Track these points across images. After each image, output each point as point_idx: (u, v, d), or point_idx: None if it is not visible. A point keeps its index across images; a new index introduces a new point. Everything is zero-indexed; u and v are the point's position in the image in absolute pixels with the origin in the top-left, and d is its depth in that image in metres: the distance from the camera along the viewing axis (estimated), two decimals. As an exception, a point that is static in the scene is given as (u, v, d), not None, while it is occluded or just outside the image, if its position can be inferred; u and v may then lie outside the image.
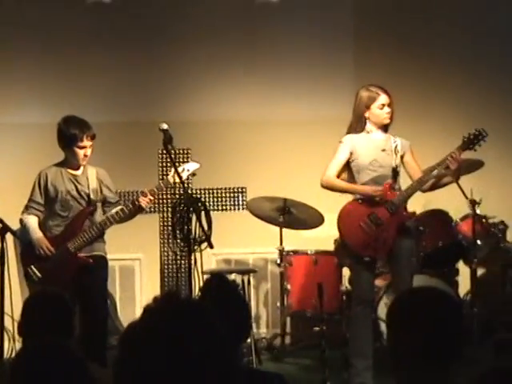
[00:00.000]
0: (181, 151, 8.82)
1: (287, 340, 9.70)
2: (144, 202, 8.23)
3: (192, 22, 10.59)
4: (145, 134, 9.23)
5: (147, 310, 3.02)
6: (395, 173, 8.03)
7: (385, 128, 8.08)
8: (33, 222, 8.37)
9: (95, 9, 10.53)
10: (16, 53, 10.32)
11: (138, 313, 8.39)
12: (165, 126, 8.08)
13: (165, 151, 8.28)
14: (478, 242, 9.16)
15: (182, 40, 10.55)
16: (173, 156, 8.18)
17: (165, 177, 8.43)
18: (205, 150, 9.66)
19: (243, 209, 9.79)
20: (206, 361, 2.75)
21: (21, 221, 8.31)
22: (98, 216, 8.41)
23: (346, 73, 10.47)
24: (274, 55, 10.67)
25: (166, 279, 9.68)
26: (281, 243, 9.57)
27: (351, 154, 8.02)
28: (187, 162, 8.46)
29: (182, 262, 8.69)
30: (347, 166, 8.10)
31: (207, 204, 8.86)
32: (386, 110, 8.03)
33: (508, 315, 9.45)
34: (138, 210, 8.31)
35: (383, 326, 8.23)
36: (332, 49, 10.75)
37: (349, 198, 8.18)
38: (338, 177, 8.10)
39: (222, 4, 10.66)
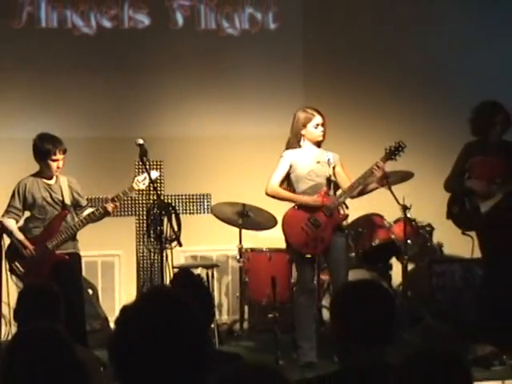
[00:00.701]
0: (154, 163, 8.82)
1: (245, 325, 9.74)
2: (110, 207, 8.31)
3: (165, 52, 10.61)
4: (124, 148, 9.22)
5: (141, 297, 3.06)
6: (329, 181, 8.15)
7: (318, 144, 8.16)
8: (13, 224, 8.43)
9: (81, 40, 10.52)
10: (10, 74, 10.30)
11: (118, 301, 8.44)
12: (141, 141, 8.14)
13: (141, 163, 8.27)
14: (409, 241, 9.20)
15: (157, 67, 10.56)
16: (147, 167, 8.21)
17: (133, 184, 8.45)
18: (175, 162, 9.69)
19: (208, 212, 9.82)
20: (187, 340, 2.81)
21: (1, 223, 8.31)
22: (71, 218, 8.44)
23: (297, 95, 10.47)
24: (234, 81, 10.71)
25: (141, 273, 9.70)
26: (240, 242, 9.59)
27: (291, 166, 8.11)
28: (154, 171, 8.46)
29: (155, 257, 8.72)
30: (287, 177, 8.17)
31: (177, 208, 8.85)
32: (320, 128, 8.14)
33: (434, 304, 9.51)
34: (106, 213, 8.36)
35: (328, 314, 8.26)
36: (284, 75, 10.78)
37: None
38: (280, 186, 8.20)
39: (191, 36, 10.68)
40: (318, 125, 8.12)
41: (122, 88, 10.49)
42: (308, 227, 8.07)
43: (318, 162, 8.12)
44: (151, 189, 8.37)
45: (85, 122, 10.09)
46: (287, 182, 8.19)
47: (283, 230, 8.27)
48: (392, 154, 8.07)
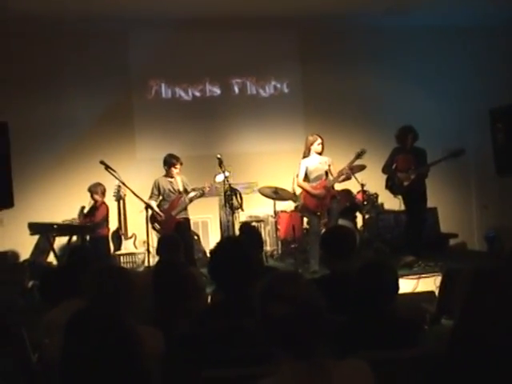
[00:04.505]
0: (227, 167, 8.70)
1: (279, 252, 9.67)
2: (206, 189, 8.44)
3: (229, 107, 10.69)
4: (209, 161, 9.22)
5: (224, 239, 3.12)
6: (326, 173, 8.19)
7: (320, 153, 8.20)
8: (154, 203, 8.57)
9: (184, 103, 10.62)
10: (150, 125, 10.43)
11: (211, 242, 8.35)
12: (219, 156, 8.31)
13: (219, 168, 8.35)
14: (365, 203, 9.24)
15: (225, 115, 10.62)
16: (223, 169, 8.28)
17: (215, 179, 8.57)
18: (238, 165, 9.71)
19: (256, 192, 9.77)
20: (252, 258, 2.89)
21: (148, 203, 8.42)
22: (185, 198, 8.55)
23: (300, 127, 10.51)
24: (267, 121, 10.73)
25: (222, 227, 9.72)
26: (274, 207, 9.61)
27: (306, 168, 8.15)
28: (226, 171, 8.43)
29: (229, 218, 8.75)
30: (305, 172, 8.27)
31: (240, 190, 8.90)
32: (320, 146, 8.17)
33: (379, 236, 9.50)
34: (203, 194, 8.45)
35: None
36: (293, 116, 10.81)
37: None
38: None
39: (242, 98, 10.76)
40: (319, 143, 8.18)
41: (206, 128, 10.52)
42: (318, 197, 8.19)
43: (320, 163, 8.21)
44: (226, 181, 8.41)
45: (187, 147, 10.16)
46: (305, 174, 8.26)
47: (304, 201, 8.30)
48: (358, 156, 8.13)
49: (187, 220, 8.63)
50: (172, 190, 8.57)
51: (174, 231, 8.07)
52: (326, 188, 8.15)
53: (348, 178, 8.38)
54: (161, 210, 8.52)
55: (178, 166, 8.50)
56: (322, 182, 8.18)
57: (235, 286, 2.90)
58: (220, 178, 8.46)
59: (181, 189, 8.57)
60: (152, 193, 8.60)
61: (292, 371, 2.08)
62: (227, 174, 8.38)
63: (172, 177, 8.57)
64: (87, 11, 9.22)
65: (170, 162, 8.51)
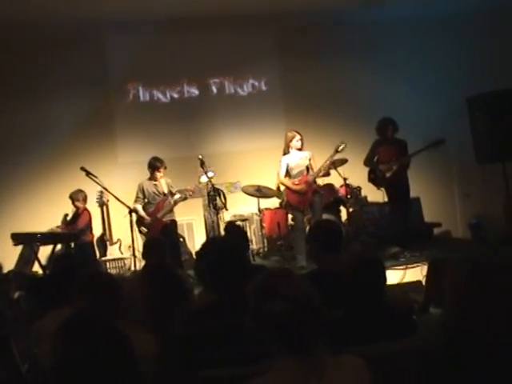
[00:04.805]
0: (209, 167, 8.67)
1: (266, 249, 9.66)
2: (188, 194, 8.41)
3: (207, 107, 10.68)
4: (191, 162, 9.18)
5: (209, 240, 3.10)
6: (307, 168, 8.18)
7: (299, 149, 8.18)
8: (139, 207, 8.54)
9: (162, 106, 10.56)
10: (128, 128, 10.38)
11: (196, 244, 8.31)
12: (200, 157, 8.26)
13: (201, 168, 8.31)
14: (348, 196, 9.23)
15: (203, 115, 10.62)
16: (205, 170, 8.25)
17: (200, 179, 8.55)
18: (219, 165, 9.68)
19: (240, 191, 9.74)
20: (242, 257, 2.87)
21: (133, 207, 8.41)
22: (170, 200, 8.52)
23: (280, 124, 10.49)
24: (245, 120, 10.73)
25: (207, 228, 9.67)
26: (258, 205, 9.58)
27: (287, 164, 8.14)
28: (210, 171, 8.41)
29: (214, 218, 8.71)
30: (286, 169, 8.26)
31: (223, 190, 8.89)
32: (300, 142, 8.15)
33: (364, 228, 9.50)
34: (186, 198, 8.43)
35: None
36: (272, 113, 10.80)
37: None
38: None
39: (220, 97, 10.74)
40: (298, 140, 8.19)
41: (187, 129, 10.50)
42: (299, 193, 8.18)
43: (300, 159, 8.23)
44: (209, 182, 8.38)
45: (169, 149, 10.11)
46: (286, 171, 8.25)
47: (287, 197, 8.30)
48: (337, 149, 8.17)
49: (174, 222, 8.61)
50: (157, 192, 8.56)
51: (160, 234, 8.07)
52: (307, 183, 8.16)
53: (327, 174, 8.40)
54: (146, 213, 8.51)
55: (161, 170, 8.50)
56: (303, 178, 8.20)
57: (228, 286, 2.87)
58: (205, 178, 8.44)
59: (165, 191, 8.57)
60: (137, 196, 8.59)
61: (287, 368, 2.08)
62: (211, 174, 8.36)
63: (156, 180, 8.56)
64: (63, 15, 9.10)
65: (154, 165, 8.51)
